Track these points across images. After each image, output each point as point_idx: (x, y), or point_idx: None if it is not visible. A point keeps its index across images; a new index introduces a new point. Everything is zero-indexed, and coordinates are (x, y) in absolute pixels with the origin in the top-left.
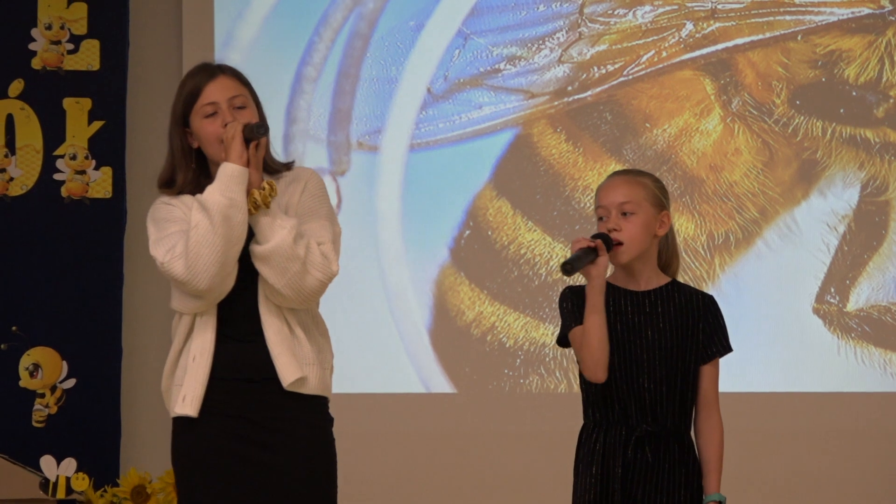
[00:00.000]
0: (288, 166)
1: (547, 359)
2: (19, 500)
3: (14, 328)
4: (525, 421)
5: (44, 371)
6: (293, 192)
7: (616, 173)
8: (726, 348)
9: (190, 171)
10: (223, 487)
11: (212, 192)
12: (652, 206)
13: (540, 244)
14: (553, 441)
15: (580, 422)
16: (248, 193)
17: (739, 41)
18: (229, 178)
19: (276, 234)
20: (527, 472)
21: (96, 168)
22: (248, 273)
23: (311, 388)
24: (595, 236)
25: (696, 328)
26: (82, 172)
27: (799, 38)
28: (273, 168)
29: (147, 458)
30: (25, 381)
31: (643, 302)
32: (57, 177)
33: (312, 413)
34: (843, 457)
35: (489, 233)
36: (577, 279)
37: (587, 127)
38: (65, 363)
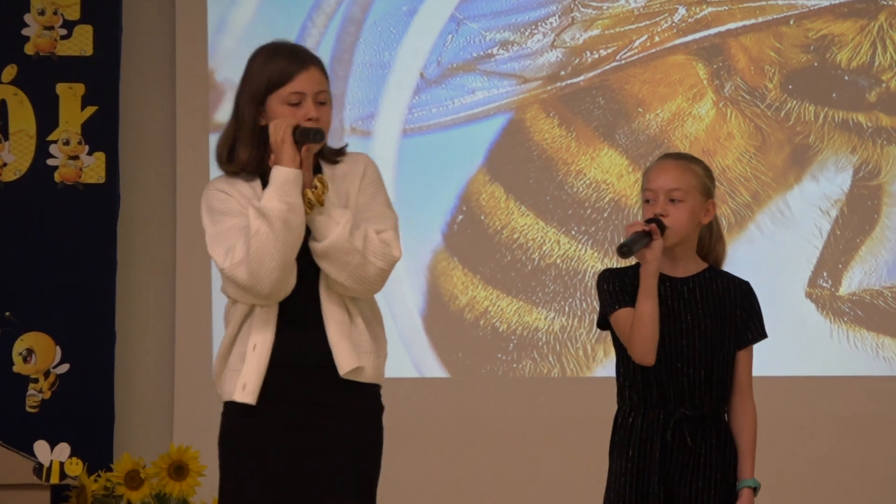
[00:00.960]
0: (342, 151)
1: (540, 343)
2: (13, 484)
3: (7, 313)
4: (518, 405)
5: (37, 356)
6: (352, 179)
7: (667, 156)
8: (762, 334)
9: (255, 149)
10: (275, 475)
11: (269, 198)
12: (700, 195)
13: (533, 229)
14: (547, 425)
15: (572, 405)
16: (302, 194)
17: (732, 26)
18: (284, 182)
19: (333, 231)
20: (520, 457)
21: (89, 153)
22: (309, 263)
23: (367, 377)
24: (649, 220)
25: (734, 314)
26: (75, 158)
27: (791, 22)
28: (329, 156)
29: (141, 443)
30: (19, 367)
31: (682, 288)
32: (50, 162)
33: (366, 400)
34: (835, 441)
35: (482, 218)
36: (606, 262)
37: (580, 112)
38: (58, 348)
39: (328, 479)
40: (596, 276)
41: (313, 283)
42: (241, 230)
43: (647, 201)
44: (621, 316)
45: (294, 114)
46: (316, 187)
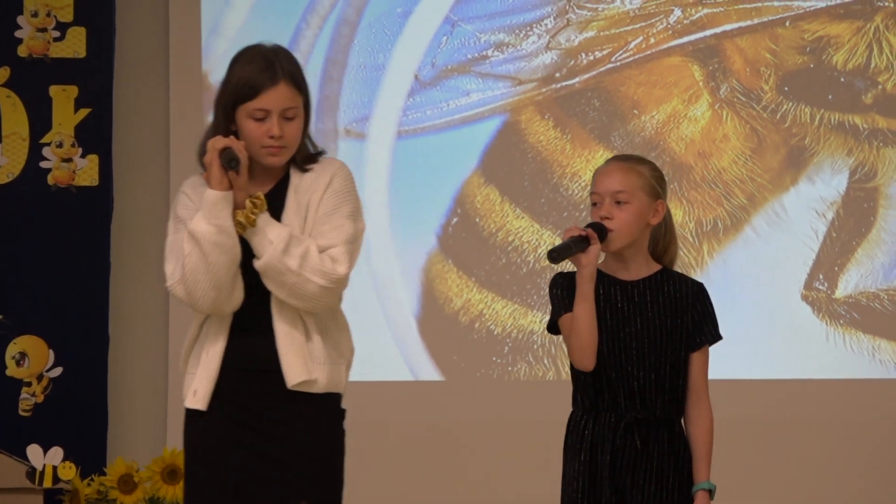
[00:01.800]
0: (314, 158)
1: (535, 346)
2: (6, 488)
3: (0, 317)
4: (513, 408)
5: (30, 360)
6: (315, 189)
7: (614, 159)
8: (715, 336)
9: None
10: (227, 476)
11: (198, 221)
12: (647, 196)
13: (528, 231)
14: (541, 429)
15: (567, 409)
16: (233, 215)
17: (727, 27)
18: (212, 206)
19: (265, 251)
20: (515, 460)
21: (83, 156)
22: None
23: (319, 388)
24: (588, 226)
25: (685, 316)
26: (69, 160)
27: (787, 24)
28: (301, 163)
29: (134, 446)
30: (12, 370)
31: (632, 291)
32: (43, 165)
33: (320, 408)
34: (831, 444)
35: (477, 220)
36: (567, 265)
37: (575, 114)
38: (51, 352)
39: (280, 483)
40: None
41: (265, 294)
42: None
43: (594, 204)
44: (567, 320)
45: (258, 129)
46: (246, 208)
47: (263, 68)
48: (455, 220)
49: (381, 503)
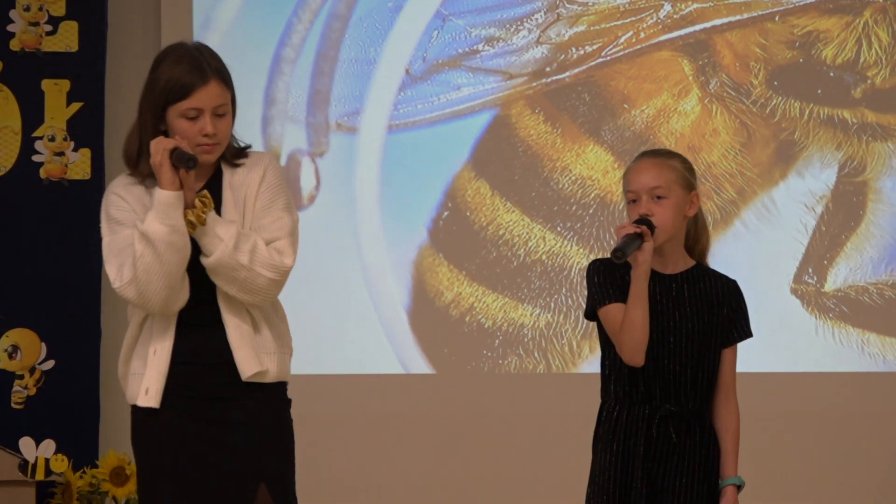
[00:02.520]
0: (243, 153)
1: (525, 339)
2: None
3: None
4: (504, 402)
5: (23, 353)
6: (252, 182)
7: (645, 155)
8: (747, 333)
9: None
10: (184, 470)
11: (150, 222)
12: (682, 188)
13: (518, 225)
14: (532, 422)
15: (558, 401)
16: (184, 214)
17: (717, 22)
18: (166, 206)
19: (217, 248)
20: (506, 453)
21: (75, 150)
22: (205, 276)
23: (271, 377)
24: (638, 222)
25: (721, 312)
26: (61, 154)
27: (776, 18)
28: (231, 158)
29: (126, 439)
30: (4, 363)
31: (670, 285)
32: (35, 158)
33: (271, 397)
34: (821, 437)
35: (468, 214)
36: (592, 256)
37: (565, 108)
38: (44, 345)
39: (238, 471)
40: (581, 272)
41: (211, 290)
42: (132, 245)
43: (631, 202)
44: (611, 312)
45: (191, 128)
46: (196, 207)
47: (192, 68)
48: (446, 213)
49: (372, 495)
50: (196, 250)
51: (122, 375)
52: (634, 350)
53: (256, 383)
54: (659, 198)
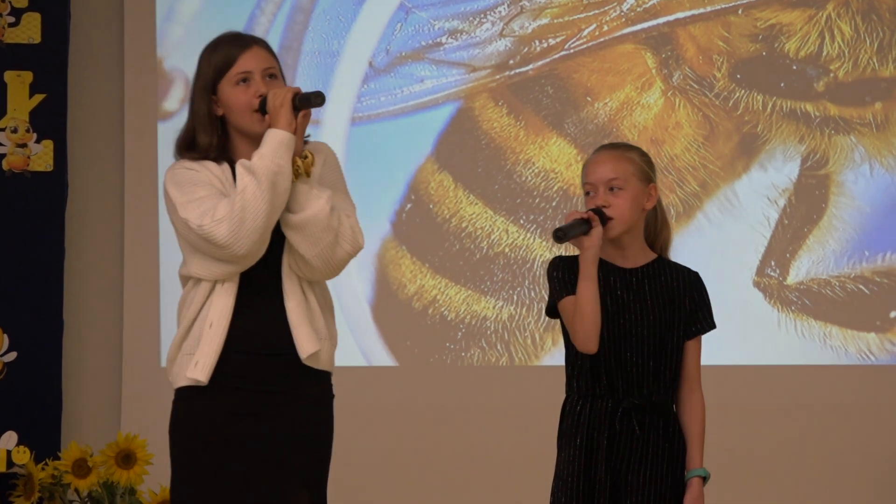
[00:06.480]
0: (304, 140)
1: (488, 332)
2: None
3: None
4: (466, 394)
5: None
6: (315, 163)
7: (602, 148)
8: (710, 325)
9: (215, 137)
10: (222, 460)
11: (261, 157)
12: (639, 181)
13: (481, 217)
14: (495, 414)
15: (521, 394)
16: (292, 161)
17: (680, 15)
18: (278, 145)
19: (314, 204)
20: (469, 445)
21: (37, 141)
22: (273, 243)
23: (322, 363)
24: (592, 211)
25: (682, 304)
26: (23, 146)
27: (740, 11)
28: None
29: (88, 431)
30: None
31: (631, 279)
32: None
33: (319, 388)
34: (783, 429)
35: (431, 206)
36: (555, 251)
37: (529, 101)
38: (6, 336)
39: (280, 467)
40: (544, 265)
41: (276, 265)
42: (216, 196)
43: (587, 194)
44: (568, 303)
45: (245, 93)
46: (306, 157)
47: (234, 41)
48: (409, 206)
49: (333, 487)
50: None
51: (172, 359)
52: (586, 336)
53: (308, 371)
54: (615, 189)
